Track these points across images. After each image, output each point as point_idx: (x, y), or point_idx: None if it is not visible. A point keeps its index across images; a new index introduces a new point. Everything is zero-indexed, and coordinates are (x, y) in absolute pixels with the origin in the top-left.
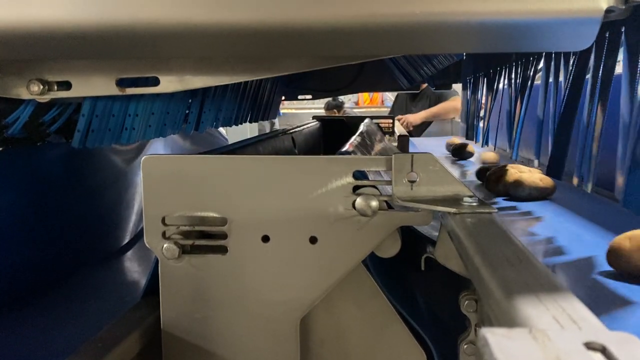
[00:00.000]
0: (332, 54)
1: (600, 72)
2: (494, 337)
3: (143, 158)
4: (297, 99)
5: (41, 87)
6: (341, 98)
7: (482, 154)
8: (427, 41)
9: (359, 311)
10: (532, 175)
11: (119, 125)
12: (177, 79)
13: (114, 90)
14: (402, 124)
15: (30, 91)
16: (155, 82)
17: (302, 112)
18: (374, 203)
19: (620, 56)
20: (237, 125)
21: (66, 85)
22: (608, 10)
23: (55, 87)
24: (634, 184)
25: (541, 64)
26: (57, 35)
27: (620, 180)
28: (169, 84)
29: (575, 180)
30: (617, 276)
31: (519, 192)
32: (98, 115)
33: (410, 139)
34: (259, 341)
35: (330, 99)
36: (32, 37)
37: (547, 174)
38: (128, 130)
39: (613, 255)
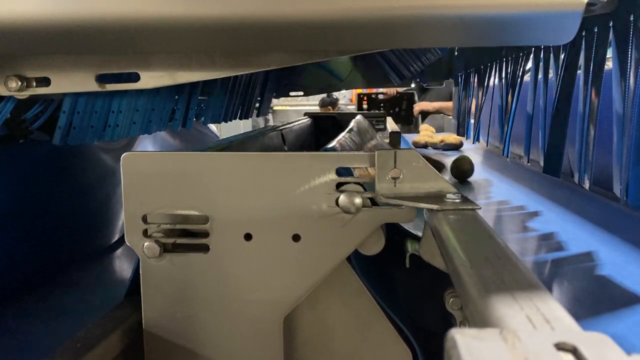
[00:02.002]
0: (313, 48)
1: (592, 65)
2: (463, 338)
3: (123, 155)
4: (289, 96)
5: (19, 83)
6: (335, 95)
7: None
8: (407, 35)
9: (344, 309)
10: (449, 137)
11: (101, 122)
12: (158, 74)
13: (93, 86)
14: (415, 112)
15: (8, 87)
16: (136, 77)
17: (296, 108)
18: (358, 200)
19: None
20: (226, 122)
21: (45, 82)
22: (590, 4)
23: (34, 84)
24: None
25: (530, 60)
26: (34, 31)
27: (618, 177)
28: (149, 79)
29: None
30: None
31: (444, 146)
32: (80, 112)
33: (403, 135)
34: (242, 340)
35: (324, 95)
36: (8, 32)
37: (545, 171)
38: (111, 127)
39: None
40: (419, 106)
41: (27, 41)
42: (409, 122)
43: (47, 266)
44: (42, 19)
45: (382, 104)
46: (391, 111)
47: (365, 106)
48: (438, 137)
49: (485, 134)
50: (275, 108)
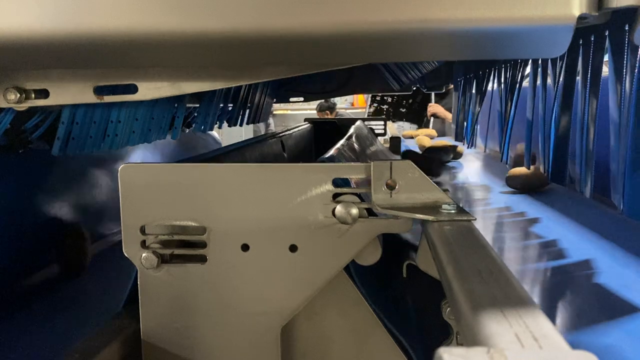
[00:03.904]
0: (311, 61)
1: (589, 73)
2: (451, 357)
3: (120, 167)
4: (289, 102)
5: (18, 95)
6: (334, 99)
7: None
8: (401, 49)
9: (342, 319)
10: (426, 131)
11: (100, 132)
12: (156, 86)
13: (91, 98)
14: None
15: (7, 100)
16: (134, 89)
17: (297, 112)
18: (354, 211)
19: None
20: (229, 126)
21: (44, 94)
22: (581, 17)
23: (33, 96)
24: (636, 190)
25: (529, 67)
26: (33, 45)
27: (615, 186)
28: (147, 91)
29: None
30: None
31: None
32: (78, 122)
33: (403, 139)
34: (239, 350)
35: (322, 100)
36: (7, 46)
37: (551, 180)
38: (110, 137)
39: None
40: (433, 108)
41: (26, 55)
42: (419, 119)
43: (45, 274)
44: (40, 33)
45: (396, 95)
46: (404, 102)
47: (378, 97)
48: (420, 131)
49: (484, 138)
50: (275, 112)
